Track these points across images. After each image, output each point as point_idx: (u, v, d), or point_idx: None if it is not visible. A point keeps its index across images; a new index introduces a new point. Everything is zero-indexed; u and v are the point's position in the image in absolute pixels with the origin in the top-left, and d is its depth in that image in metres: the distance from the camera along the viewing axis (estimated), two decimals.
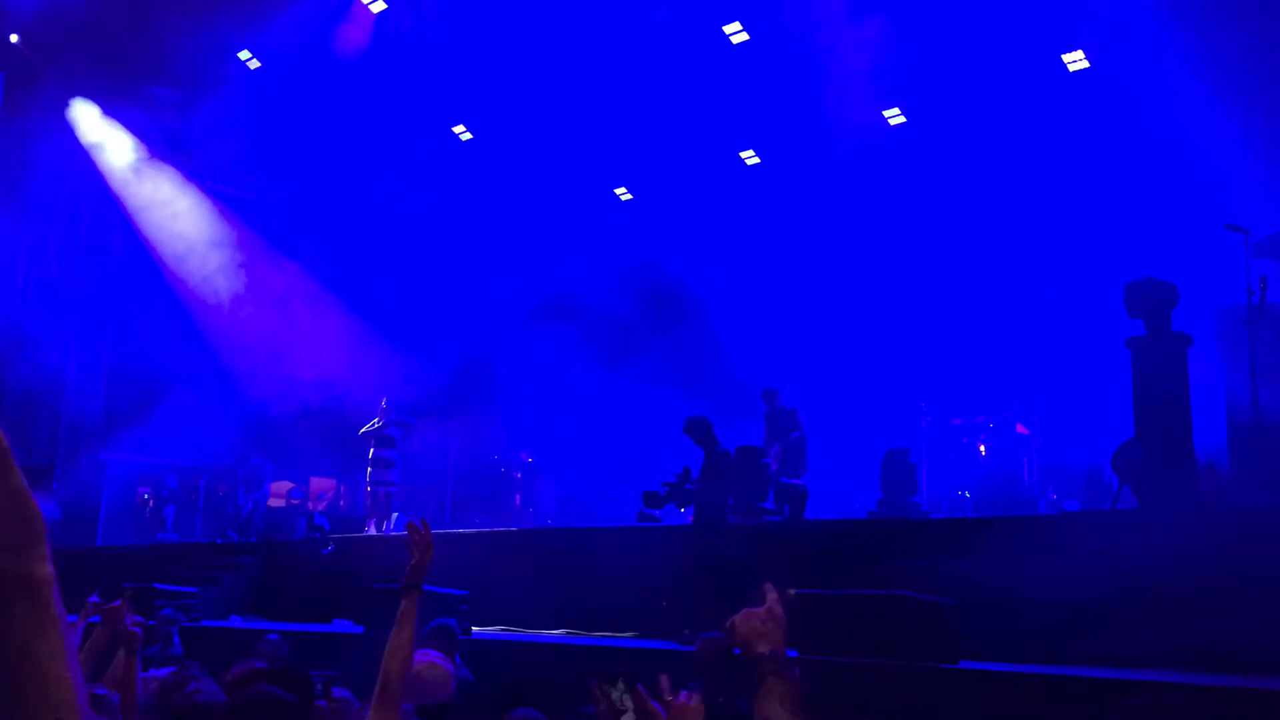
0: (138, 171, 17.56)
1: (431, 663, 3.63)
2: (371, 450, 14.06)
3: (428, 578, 3.32)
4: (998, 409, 13.02)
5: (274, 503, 16.21)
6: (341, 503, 17.84)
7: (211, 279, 17.73)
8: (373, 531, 13.62)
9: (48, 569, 1.12)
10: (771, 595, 2.11)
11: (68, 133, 17.04)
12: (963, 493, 12.60)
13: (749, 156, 15.63)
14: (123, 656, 4.22)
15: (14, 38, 16.80)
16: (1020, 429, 12.86)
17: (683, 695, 2.35)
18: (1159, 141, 12.05)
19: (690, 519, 10.78)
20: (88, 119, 17.17)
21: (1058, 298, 12.63)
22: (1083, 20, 12.39)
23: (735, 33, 13.87)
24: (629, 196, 17.14)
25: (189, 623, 9.98)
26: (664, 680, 2.41)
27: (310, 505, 16.93)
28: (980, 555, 7.25)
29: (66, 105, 16.94)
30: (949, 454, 12.85)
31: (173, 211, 17.65)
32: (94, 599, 4.85)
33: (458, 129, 16.78)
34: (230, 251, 17.86)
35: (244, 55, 16.27)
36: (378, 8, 15.27)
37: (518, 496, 16.30)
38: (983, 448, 12.92)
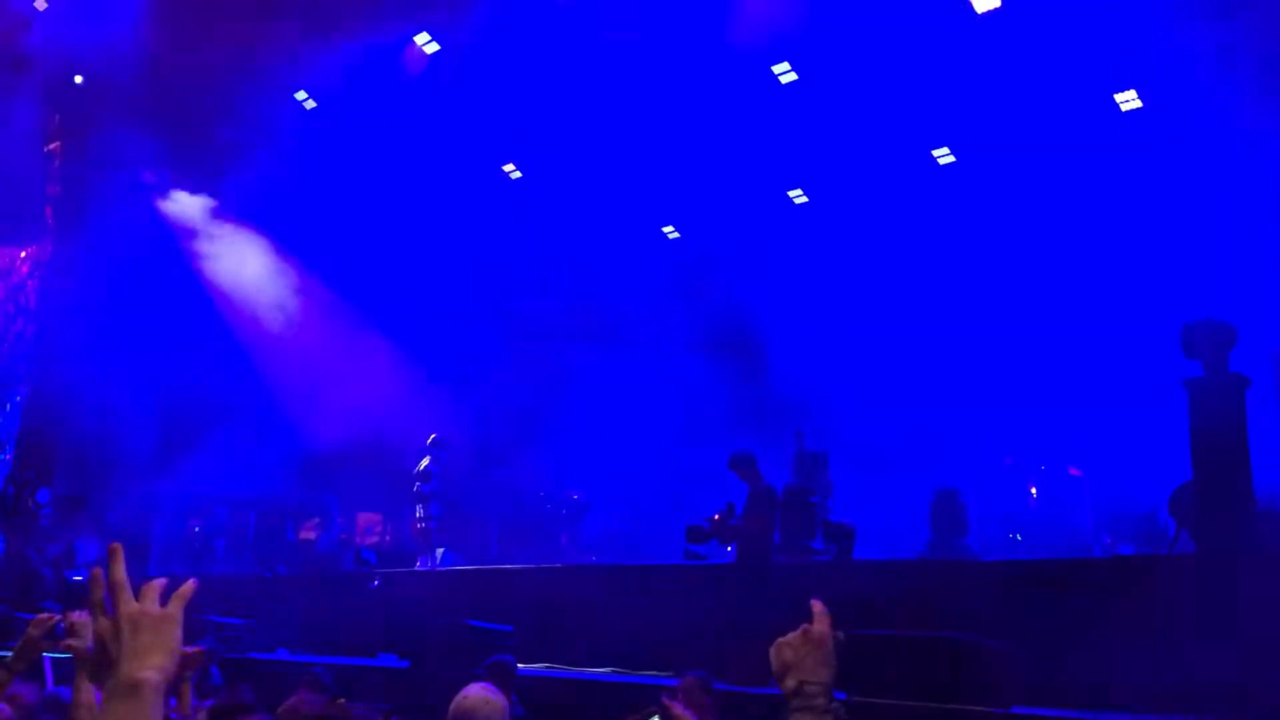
0: (193, 208, 17.91)
1: (486, 697, 3.61)
2: (418, 486, 14.12)
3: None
4: (1050, 450, 12.83)
5: (306, 535, 16.37)
6: (388, 538, 17.88)
7: (263, 314, 17.99)
8: (422, 567, 13.66)
9: (157, 677, 1.38)
10: (818, 623, 1.97)
11: (125, 172, 17.41)
12: (1014, 535, 12.41)
13: (797, 196, 15.63)
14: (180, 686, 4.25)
15: (78, 79, 17.27)
16: (1073, 471, 12.66)
17: None
18: (1216, 181, 11.91)
19: (734, 556, 10.73)
20: (146, 160, 17.54)
21: (1113, 338, 12.45)
22: (1136, 59, 12.29)
23: (784, 73, 13.91)
24: (676, 235, 17.19)
25: (236, 654, 10.07)
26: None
27: (358, 540, 17.02)
28: (1033, 599, 7.13)
29: (124, 146, 17.30)
30: (1000, 495, 12.66)
31: (226, 247, 17.97)
32: None
33: (508, 168, 16.95)
34: (282, 287, 18.12)
35: (300, 95, 16.58)
36: (431, 49, 15.52)
37: (563, 534, 16.25)
38: (1034, 489, 12.72)
